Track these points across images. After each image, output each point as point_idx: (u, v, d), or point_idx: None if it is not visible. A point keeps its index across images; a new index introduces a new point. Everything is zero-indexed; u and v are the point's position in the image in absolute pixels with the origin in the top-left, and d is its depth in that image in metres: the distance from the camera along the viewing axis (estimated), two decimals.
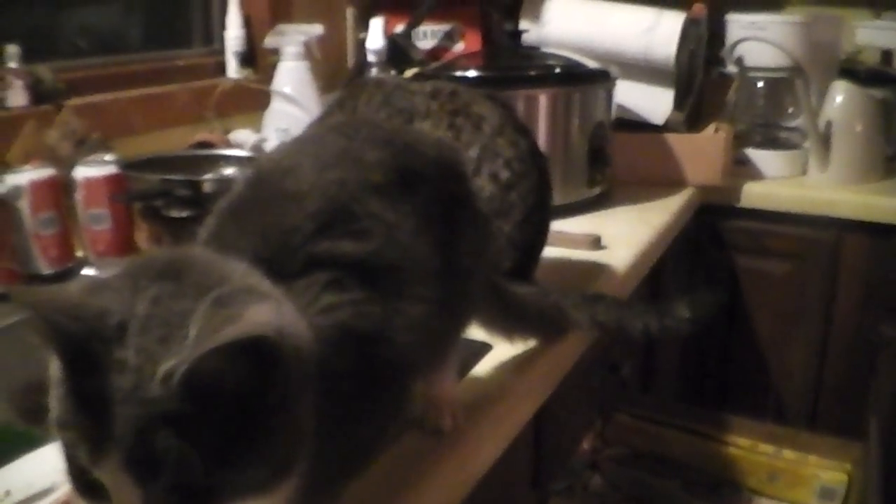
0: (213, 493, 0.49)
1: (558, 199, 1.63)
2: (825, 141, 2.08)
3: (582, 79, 1.72)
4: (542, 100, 1.66)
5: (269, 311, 0.51)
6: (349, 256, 0.64)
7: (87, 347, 0.48)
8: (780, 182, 2.13)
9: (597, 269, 1.39)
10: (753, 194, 2.08)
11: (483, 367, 1.04)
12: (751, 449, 1.67)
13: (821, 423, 2.05)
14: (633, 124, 2.01)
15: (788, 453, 1.66)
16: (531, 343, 1.08)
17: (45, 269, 1.32)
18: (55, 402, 0.51)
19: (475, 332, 0.99)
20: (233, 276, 0.54)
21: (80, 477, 0.50)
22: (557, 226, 1.51)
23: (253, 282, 0.55)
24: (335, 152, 0.73)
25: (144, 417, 0.47)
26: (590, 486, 1.56)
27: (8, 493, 1.04)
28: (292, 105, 1.77)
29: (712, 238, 2.13)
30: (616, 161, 1.84)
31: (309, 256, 0.63)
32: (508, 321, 1.01)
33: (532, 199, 1.22)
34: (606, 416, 1.72)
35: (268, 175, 0.70)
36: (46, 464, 1.05)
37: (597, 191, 1.76)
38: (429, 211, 0.75)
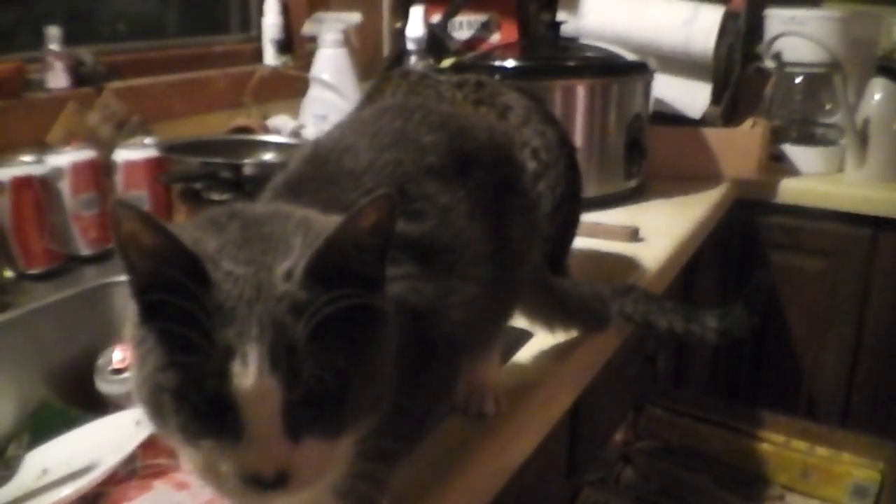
0: (343, 400, 0.50)
1: (595, 190, 1.63)
2: (862, 138, 2.06)
3: (620, 70, 1.71)
4: (580, 91, 1.65)
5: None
6: (404, 236, 0.65)
7: (193, 268, 0.48)
8: (816, 178, 2.12)
9: (634, 262, 1.38)
10: (789, 190, 2.07)
11: (524, 355, 1.04)
12: (784, 445, 1.66)
13: (853, 422, 2.04)
14: (670, 118, 2.00)
15: (822, 450, 1.65)
16: (571, 333, 1.07)
17: (85, 249, 1.33)
18: (145, 358, 0.50)
19: (516, 320, 0.99)
20: (298, 211, 0.56)
21: (196, 415, 0.49)
22: (594, 217, 1.52)
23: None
24: (392, 133, 0.73)
25: (278, 313, 0.47)
26: (622, 478, 1.55)
27: (45, 472, 1.05)
28: (330, 92, 1.78)
29: (748, 232, 2.12)
30: (653, 154, 1.83)
31: None
32: (551, 310, 1.01)
33: (561, 189, 1.22)
34: (639, 409, 1.71)
35: (326, 152, 0.70)
36: (84, 443, 1.07)
37: (633, 183, 1.76)
38: (481, 195, 0.75)
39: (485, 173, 0.77)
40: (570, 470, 1.23)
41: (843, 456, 1.64)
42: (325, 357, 0.48)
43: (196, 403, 0.49)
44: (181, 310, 0.47)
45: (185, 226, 0.53)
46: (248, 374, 0.47)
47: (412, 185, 0.69)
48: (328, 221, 0.51)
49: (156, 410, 0.51)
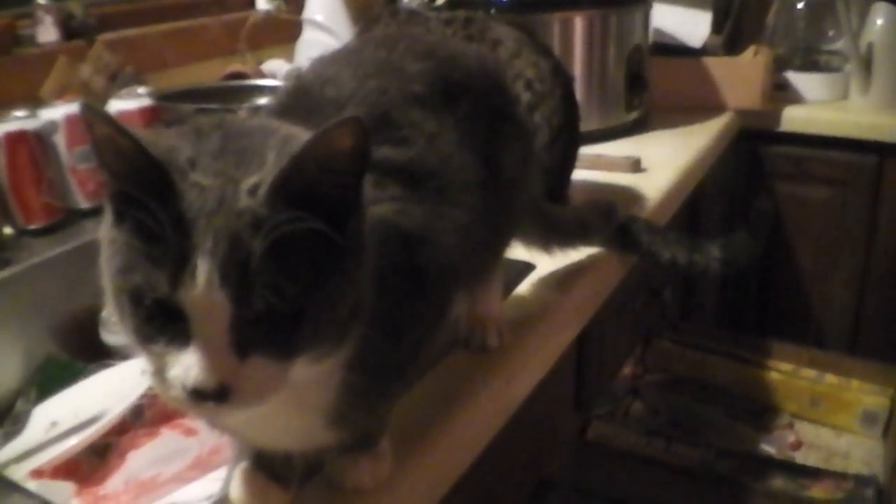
0: (298, 322, 0.49)
1: (596, 123, 1.61)
2: (866, 64, 2.02)
3: (618, 1, 1.68)
4: (578, 23, 1.62)
5: None
6: (390, 161, 0.64)
7: (160, 175, 0.48)
8: (820, 106, 2.09)
9: (636, 193, 1.37)
10: (794, 118, 2.04)
11: (526, 287, 1.03)
12: (793, 374, 1.66)
13: (861, 351, 2.03)
14: (670, 48, 1.97)
15: (831, 378, 1.65)
16: (571, 258, 1.06)
17: (84, 203, 1.32)
18: (112, 255, 0.50)
19: (516, 252, 0.98)
20: (284, 126, 0.55)
21: (150, 319, 0.49)
22: (596, 150, 1.50)
23: None
24: (375, 63, 0.72)
25: (235, 227, 0.47)
26: (630, 411, 1.56)
27: (54, 424, 1.05)
28: (324, 33, 1.75)
29: (752, 163, 2.09)
30: (654, 86, 1.80)
31: None
32: (549, 235, 1.00)
33: (558, 120, 1.21)
34: (647, 342, 1.71)
35: (308, 84, 0.69)
36: (91, 395, 1.07)
37: (635, 115, 1.73)
38: (471, 122, 0.74)
39: (474, 101, 0.76)
40: (577, 403, 1.23)
41: (853, 383, 1.64)
42: (280, 278, 0.47)
43: (149, 308, 0.49)
44: (145, 216, 0.48)
45: (165, 133, 0.52)
46: (197, 285, 0.47)
47: (397, 113, 0.67)
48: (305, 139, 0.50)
49: (117, 310, 0.51)
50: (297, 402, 0.56)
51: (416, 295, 0.63)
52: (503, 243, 0.85)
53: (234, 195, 0.48)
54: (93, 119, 0.48)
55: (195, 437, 0.99)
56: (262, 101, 1.47)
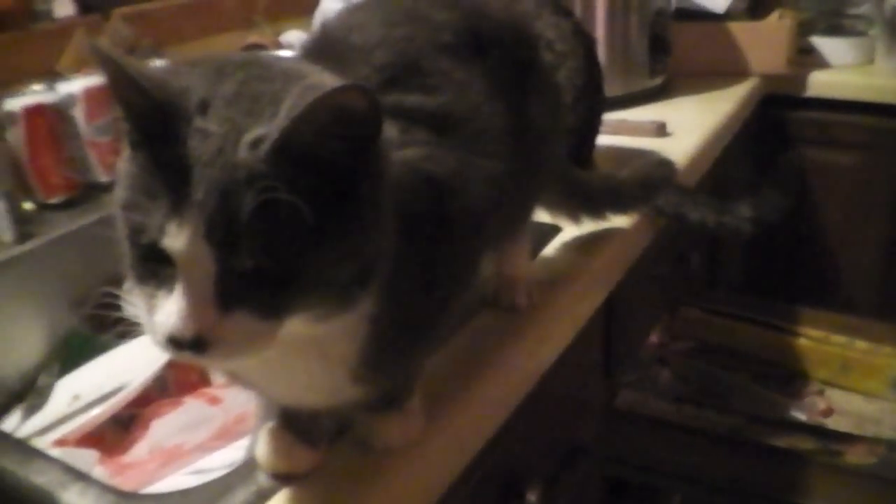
0: (288, 283, 0.48)
1: (620, 89, 1.59)
2: (892, 27, 1.99)
3: None
4: None
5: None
6: (418, 109, 0.62)
7: (166, 118, 0.47)
8: (846, 70, 2.05)
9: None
10: (819, 83, 2.00)
11: (553, 250, 1.01)
12: (822, 340, 1.63)
13: (891, 316, 2.00)
14: (693, 13, 1.94)
15: (861, 343, 1.62)
16: (596, 225, 1.04)
17: (103, 176, 1.32)
18: (121, 188, 0.50)
19: (543, 216, 0.96)
20: (310, 72, 0.53)
21: (144, 259, 0.48)
22: (619, 116, 1.48)
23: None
24: (402, 11, 0.70)
25: (228, 181, 0.46)
26: (659, 379, 1.54)
27: (77, 398, 1.05)
28: (343, 3, 1.73)
29: (777, 129, 2.06)
30: (678, 52, 1.77)
31: None
32: (574, 200, 0.98)
33: (581, 80, 1.19)
34: (674, 310, 1.69)
35: (333, 31, 0.68)
36: (114, 368, 1.07)
37: (658, 80, 1.71)
38: (499, 73, 0.73)
39: (502, 51, 0.74)
40: (606, 370, 1.22)
41: (884, 348, 1.61)
42: (271, 239, 0.46)
43: (144, 248, 0.48)
44: (149, 156, 0.47)
45: (186, 71, 0.51)
46: (181, 236, 0.46)
47: (426, 61, 0.65)
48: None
49: (123, 243, 0.50)
50: (319, 354, 0.55)
51: (445, 245, 0.61)
52: (532, 199, 0.84)
53: (234, 146, 0.46)
54: (102, 58, 0.47)
55: (219, 405, 0.99)
56: None
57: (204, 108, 0.48)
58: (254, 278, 0.47)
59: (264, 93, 0.49)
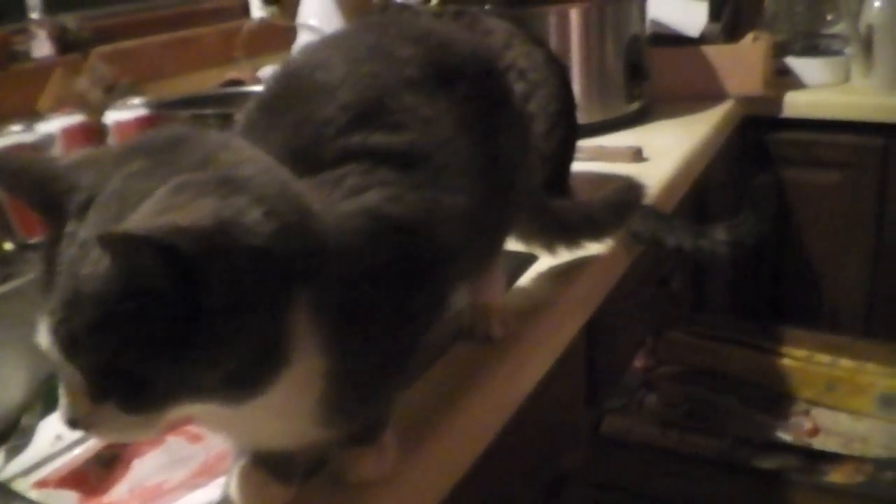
0: (157, 386, 0.48)
1: (597, 115, 1.61)
2: (867, 46, 2.01)
3: None
4: (574, 15, 1.61)
5: (208, 210, 0.46)
6: (383, 148, 0.62)
7: (52, 218, 0.49)
8: (823, 90, 2.07)
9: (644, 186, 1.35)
10: (797, 104, 2.03)
11: (529, 279, 1.02)
12: (807, 360, 1.64)
13: (876, 334, 2.01)
14: (668, 38, 1.96)
15: (846, 362, 1.63)
16: (572, 254, 1.04)
17: None
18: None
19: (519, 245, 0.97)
20: (220, 160, 0.52)
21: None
22: (597, 142, 1.49)
23: (241, 171, 0.51)
24: (367, 47, 0.70)
25: (73, 292, 0.47)
26: (645, 403, 1.54)
27: (59, 438, 1.04)
28: (319, 37, 1.74)
29: (758, 151, 2.08)
30: (654, 77, 1.79)
31: (341, 149, 0.60)
32: (548, 231, 0.98)
33: (554, 108, 1.19)
34: (658, 334, 1.69)
35: (298, 69, 0.67)
36: None
37: (636, 106, 1.72)
38: (466, 108, 0.72)
39: (468, 86, 0.74)
40: (589, 397, 1.22)
41: (868, 366, 1.62)
42: (114, 348, 0.47)
43: None
44: (43, 253, 0.50)
45: (93, 161, 0.52)
46: (44, 337, 0.48)
47: (390, 98, 0.65)
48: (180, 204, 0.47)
49: None
50: (276, 411, 0.55)
51: (411, 286, 0.61)
52: (504, 230, 0.84)
53: (84, 255, 0.47)
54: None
55: (201, 443, 0.98)
56: None
57: (83, 208, 0.49)
58: (116, 377, 0.48)
59: (135, 192, 0.48)
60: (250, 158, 0.53)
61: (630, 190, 1.03)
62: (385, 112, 0.64)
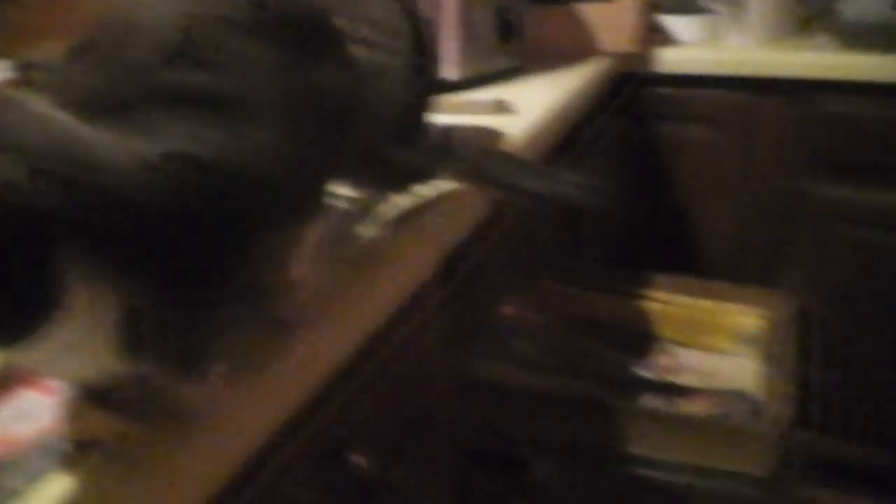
0: None
1: (469, 71, 1.64)
2: (737, 4, 2.09)
3: None
4: None
5: None
6: (196, 87, 0.62)
7: None
8: (696, 47, 2.15)
9: (499, 133, 1.38)
10: (669, 60, 2.10)
11: (371, 225, 1.03)
12: (670, 302, 1.72)
13: (745, 280, 2.10)
14: None
15: (706, 303, 1.71)
16: (422, 193, 1.06)
17: None
18: None
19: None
20: None
21: None
22: (469, 97, 1.52)
23: (12, 131, 0.52)
24: None
25: None
26: (515, 350, 1.59)
27: None
28: None
29: (633, 107, 2.15)
30: (530, 35, 1.84)
31: (154, 89, 0.61)
32: (383, 180, 1.00)
33: (407, 60, 1.21)
34: (529, 282, 1.74)
35: (116, 12, 0.66)
36: None
37: (509, 63, 1.76)
38: (290, 53, 0.72)
39: (294, 31, 0.73)
40: (452, 340, 1.25)
41: (729, 307, 1.70)
42: None
43: None
44: None
45: None
46: None
47: (206, 38, 0.65)
48: None
49: None
50: (76, 344, 0.56)
51: (218, 226, 0.61)
52: (327, 176, 0.83)
53: None
54: None
55: (54, 395, 0.99)
56: None
57: None
58: None
59: None
60: (28, 116, 0.54)
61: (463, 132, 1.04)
62: (200, 51, 0.64)
